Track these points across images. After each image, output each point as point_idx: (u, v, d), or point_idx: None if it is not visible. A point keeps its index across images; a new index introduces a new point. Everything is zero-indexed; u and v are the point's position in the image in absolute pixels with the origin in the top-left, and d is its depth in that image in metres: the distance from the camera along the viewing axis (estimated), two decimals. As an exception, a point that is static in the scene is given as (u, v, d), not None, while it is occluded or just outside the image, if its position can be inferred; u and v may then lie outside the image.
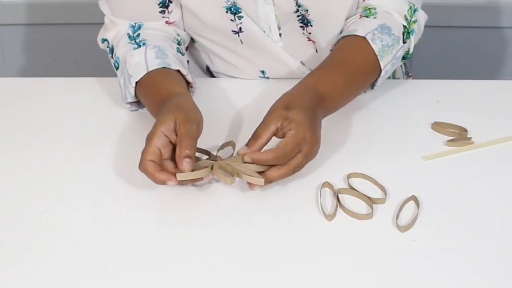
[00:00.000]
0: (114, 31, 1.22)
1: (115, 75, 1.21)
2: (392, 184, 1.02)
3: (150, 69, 1.14)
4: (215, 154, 1.06)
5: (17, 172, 1.07)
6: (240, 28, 1.22)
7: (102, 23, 1.25)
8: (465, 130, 1.14)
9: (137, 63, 1.15)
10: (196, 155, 1.01)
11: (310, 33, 1.23)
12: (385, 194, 1.00)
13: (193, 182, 1.02)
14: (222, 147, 1.08)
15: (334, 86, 1.10)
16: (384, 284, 0.87)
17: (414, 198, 1.00)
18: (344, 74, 1.12)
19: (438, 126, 1.15)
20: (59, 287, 0.87)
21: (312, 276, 0.88)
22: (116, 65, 1.20)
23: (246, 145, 1.01)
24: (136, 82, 1.14)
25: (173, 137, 1.00)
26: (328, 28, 1.23)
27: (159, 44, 1.18)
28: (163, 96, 1.09)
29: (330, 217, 0.97)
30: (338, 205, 0.98)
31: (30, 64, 2.03)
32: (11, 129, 1.17)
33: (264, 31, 1.23)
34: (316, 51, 1.26)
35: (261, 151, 1.01)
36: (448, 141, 1.12)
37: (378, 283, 0.87)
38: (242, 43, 1.25)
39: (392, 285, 0.87)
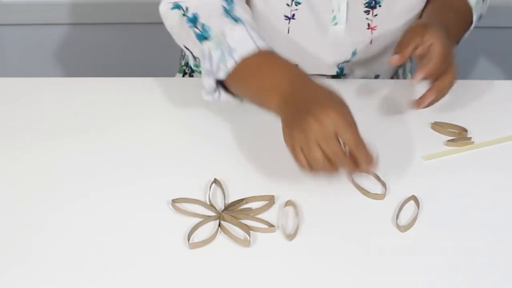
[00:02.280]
0: None
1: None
2: (392, 184, 1.02)
3: (259, 46, 1.05)
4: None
5: (17, 172, 1.07)
6: (293, 15, 1.21)
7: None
8: (465, 130, 1.14)
9: (241, 38, 1.06)
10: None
11: (375, 16, 1.22)
12: (385, 188, 1.01)
13: None
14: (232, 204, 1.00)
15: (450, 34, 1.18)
16: (384, 284, 0.87)
17: (414, 198, 1.00)
18: (458, 26, 1.25)
19: (438, 126, 1.15)
20: (59, 287, 0.87)
21: (313, 276, 0.88)
22: (206, 34, 1.08)
23: (395, 52, 1.11)
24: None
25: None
26: (394, 12, 1.24)
27: (256, 27, 1.10)
28: (289, 73, 1.02)
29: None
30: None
31: (30, 64, 2.03)
32: (11, 129, 1.17)
33: (333, 10, 1.21)
34: (371, 42, 1.25)
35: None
36: (448, 141, 1.12)
37: (378, 283, 0.87)
38: (288, 32, 1.22)
39: (392, 285, 0.87)
